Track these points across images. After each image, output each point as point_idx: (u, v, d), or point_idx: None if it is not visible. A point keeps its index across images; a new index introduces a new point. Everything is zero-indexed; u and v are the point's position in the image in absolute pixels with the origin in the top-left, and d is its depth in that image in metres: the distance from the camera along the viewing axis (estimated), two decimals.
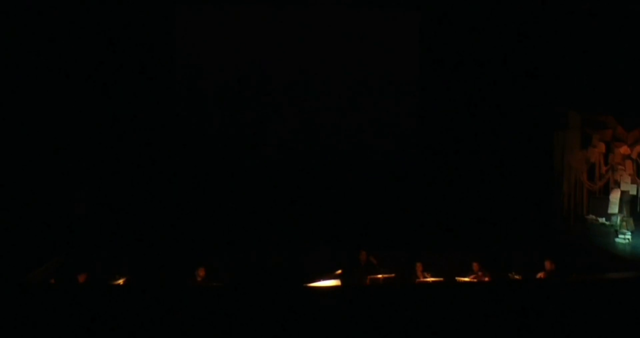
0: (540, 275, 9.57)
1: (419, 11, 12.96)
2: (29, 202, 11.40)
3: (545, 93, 12.67)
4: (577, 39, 12.30)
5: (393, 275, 9.62)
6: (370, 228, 12.07)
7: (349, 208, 12.60)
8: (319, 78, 12.87)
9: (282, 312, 6.42)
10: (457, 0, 12.73)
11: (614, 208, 12.38)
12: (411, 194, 12.86)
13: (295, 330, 6.33)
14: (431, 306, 6.65)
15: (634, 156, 12.63)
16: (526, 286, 7.97)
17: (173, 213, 12.37)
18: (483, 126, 12.85)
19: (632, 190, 12.35)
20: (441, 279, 9.61)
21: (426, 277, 9.85)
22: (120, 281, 9.17)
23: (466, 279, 9.64)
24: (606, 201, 12.57)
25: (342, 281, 9.12)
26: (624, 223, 11.84)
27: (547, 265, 9.66)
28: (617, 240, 11.76)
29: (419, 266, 10.05)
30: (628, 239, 11.63)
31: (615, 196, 12.46)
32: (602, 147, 12.82)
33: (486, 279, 9.68)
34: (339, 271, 9.40)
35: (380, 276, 9.54)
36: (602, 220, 12.42)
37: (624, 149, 12.64)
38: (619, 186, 12.52)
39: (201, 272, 9.52)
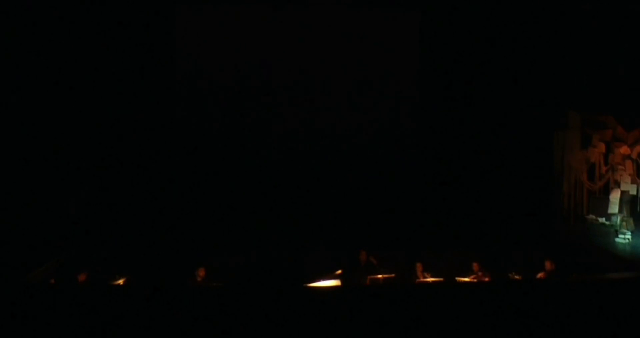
0: (540, 275, 9.57)
1: (419, 11, 12.96)
2: (29, 202, 11.39)
3: (545, 93, 12.67)
4: (577, 39, 12.30)
5: (393, 275, 9.62)
6: (370, 228, 12.07)
7: (349, 208, 12.60)
8: (319, 78, 12.87)
9: (282, 312, 6.42)
10: (457, 0, 12.73)
11: (614, 208, 12.37)
12: (411, 194, 12.85)
13: (295, 330, 6.34)
14: (431, 306, 6.65)
15: (634, 156, 12.62)
16: (526, 286, 7.97)
17: (173, 213, 12.37)
18: (483, 126, 12.84)
19: (632, 190, 12.34)
20: (441, 279, 9.61)
21: (426, 277, 9.85)
22: (120, 281, 9.17)
23: (466, 279, 9.64)
24: (606, 201, 12.56)
25: (342, 281, 9.12)
26: (624, 223, 11.84)
27: (547, 265, 9.66)
28: (617, 240, 11.76)
29: (419, 266, 10.05)
30: (628, 239, 11.63)
31: (615, 196, 12.45)
32: (602, 147, 12.81)
33: (486, 279, 9.68)
34: (339, 271, 9.40)
35: (380, 276, 9.54)
36: (602, 220, 12.42)
37: (624, 149, 12.63)
38: (619, 186, 12.51)
39: (201, 272, 9.52)
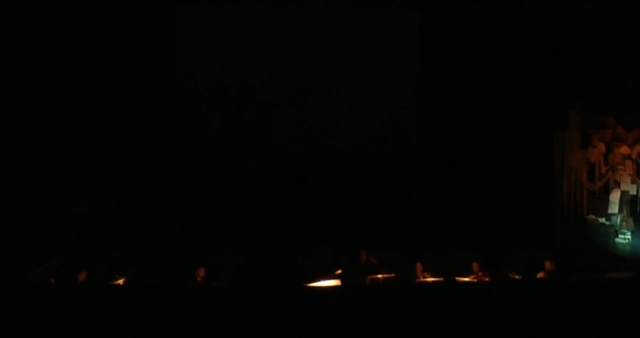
0: (540, 275, 9.57)
1: (419, 11, 12.95)
2: (29, 202, 11.40)
3: (545, 93, 12.67)
4: (577, 39, 12.29)
5: (393, 275, 9.62)
6: (370, 228, 12.07)
7: (349, 208, 12.60)
8: (319, 78, 12.86)
9: (282, 312, 6.42)
10: (457, 0, 12.72)
11: (614, 208, 12.37)
12: (411, 194, 12.85)
13: (295, 330, 6.33)
14: (431, 306, 6.65)
15: (634, 156, 12.62)
16: (526, 286, 7.97)
17: (173, 213, 12.37)
18: (483, 126, 12.84)
19: (632, 190, 12.34)
20: (441, 279, 9.61)
21: (426, 277, 9.85)
22: (120, 281, 9.18)
23: (466, 279, 9.64)
24: (606, 201, 12.56)
25: (342, 281, 9.12)
26: (624, 223, 11.85)
27: (547, 265, 9.67)
28: (617, 240, 11.77)
29: (419, 266, 10.05)
30: (628, 239, 11.64)
31: (615, 196, 12.45)
32: (602, 147, 12.81)
33: (486, 279, 9.68)
34: (339, 271, 9.40)
35: (380, 276, 9.54)
36: (602, 220, 12.42)
37: (624, 149, 12.63)
38: (619, 186, 12.51)
39: (201, 272, 9.53)
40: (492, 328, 6.49)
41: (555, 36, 12.43)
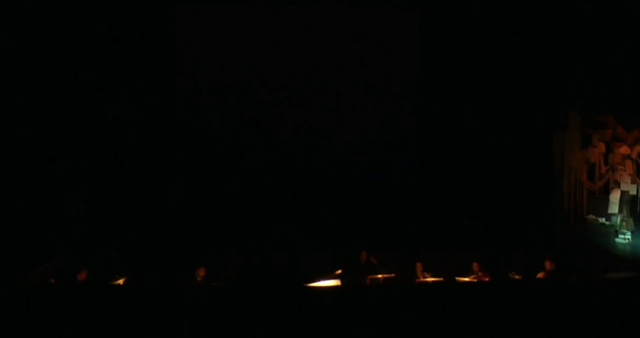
0: (540, 275, 9.57)
1: (419, 11, 12.96)
2: (29, 202, 11.40)
3: (545, 93, 12.67)
4: (577, 39, 12.29)
5: (393, 275, 9.61)
6: (370, 228, 12.07)
7: (349, 208, 12.60)
8: (319, 78, 12.86)
9: (282, 312, 6.42)
10: (457, 0, 12.72)
11: (614, 208, 12.37)
12: (411, 194, 12.85)
13: (295, 330, 6.34)
14: (431, 306, 6.65)
15: (634, 156, 12.62)
16: (526, 286, 7.97)
17: (173, 213, 12.37)
18: (483, 126, 12.84)
19: (632, 190, 12.34)
20: (441, 279, 9.60)
21: (426, 277, 9.85)
22: (120, 281, 9.17)
23: (466, 279, 9.64)
24: (606, 201, 12.56)
25: (342, 281, 9.12)
26: (624, 223, 11.84)
27: (547, 265, 9.66)
28: (617, 240, 11.76)
29: (419, 266, 10.04)
30: (628, 239, 11.63)
31: (615, 196, 12.45)
32: (602, 147, 12.81)
33: (486, 279, 9.68)
34: (339, 271, 9.40)
35: (380, 276, 9.53)
36: (602, 220, 12.42)
37: (624, 149, 12.63)
38: (619, 186, 12.51)
39: (201, 272, 9.52)
40: (492, 328, 6.49)
41: (555, 36, 12.43)
